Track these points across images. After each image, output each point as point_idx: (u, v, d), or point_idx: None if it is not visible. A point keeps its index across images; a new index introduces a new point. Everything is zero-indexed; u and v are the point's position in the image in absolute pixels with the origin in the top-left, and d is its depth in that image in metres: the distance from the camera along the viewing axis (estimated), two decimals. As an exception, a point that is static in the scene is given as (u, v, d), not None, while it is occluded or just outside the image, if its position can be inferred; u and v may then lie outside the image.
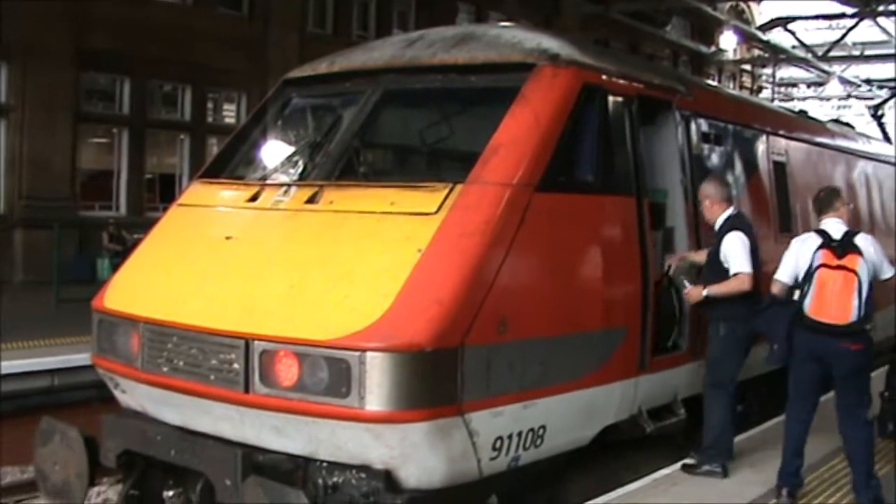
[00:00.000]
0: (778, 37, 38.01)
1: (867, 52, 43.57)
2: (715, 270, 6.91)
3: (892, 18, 34.93)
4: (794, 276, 6.25)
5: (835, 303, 5.99)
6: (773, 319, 6.30)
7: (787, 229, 9.53)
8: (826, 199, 6.47)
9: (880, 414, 7.61)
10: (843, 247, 6.07)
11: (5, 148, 18.52)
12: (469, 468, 5.51)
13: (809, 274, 6.08)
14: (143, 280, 6.48)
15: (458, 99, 6.82)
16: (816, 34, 43.20)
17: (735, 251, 6.82)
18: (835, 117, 19.08)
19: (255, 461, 5.52)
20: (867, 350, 6.11)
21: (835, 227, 6.24)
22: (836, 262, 6.03)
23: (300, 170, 6.79)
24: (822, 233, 6.22)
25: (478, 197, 5.73)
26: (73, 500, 6.32)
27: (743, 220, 7.18)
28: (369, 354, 5.06)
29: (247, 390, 5.43)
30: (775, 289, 6.36)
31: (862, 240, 6.16)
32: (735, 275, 6.78)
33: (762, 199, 9.13)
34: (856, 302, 5.94)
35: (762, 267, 6.93)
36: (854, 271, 5.98)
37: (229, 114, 23.58)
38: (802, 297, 6.09)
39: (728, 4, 37.55)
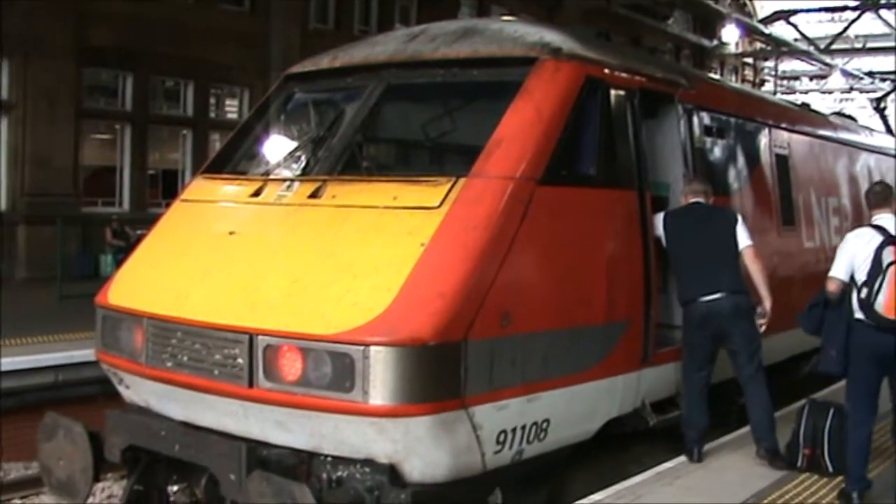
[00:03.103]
0: (780, 30, 37.96)
1: (869, 45, 43.38)
2: None
3: (895, 11, 34.85)
4: (850, 273, 6.01)
5: None
6: (833, 323, 6.09)
7: (790, 222, 9.54)
8: (882, 194, 6.30)
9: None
10: None
11: (7, 144, 18.51)
12: (473, 462, 5.51)
13: (879, 272, 5.82)
14: (146, 276, 6.49)
15: (460, 93, 6.82)
16: (819, 27, 43.05)
17: None
18: (837, 110, 19.05)
19: (260, 456, 5.54)
20: None
21: (890, 222, 6.06)
22: None
23: (303, 165, 6.77)
24: (880, 229, 6.02)
25: (481, 191, 5.73)
26: (77, 496, 6.33)
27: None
28: (373, 349, 5.07)
29: (251, 385, 5.43)
30: (833, 286, 6.08)
31: None
32: None
33: (764, 192, 9.12)
34: None
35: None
36: None
37: (231, 109, 23.57)
38: (870, 295, 5.83)
39: (729, -2, 37.57)
